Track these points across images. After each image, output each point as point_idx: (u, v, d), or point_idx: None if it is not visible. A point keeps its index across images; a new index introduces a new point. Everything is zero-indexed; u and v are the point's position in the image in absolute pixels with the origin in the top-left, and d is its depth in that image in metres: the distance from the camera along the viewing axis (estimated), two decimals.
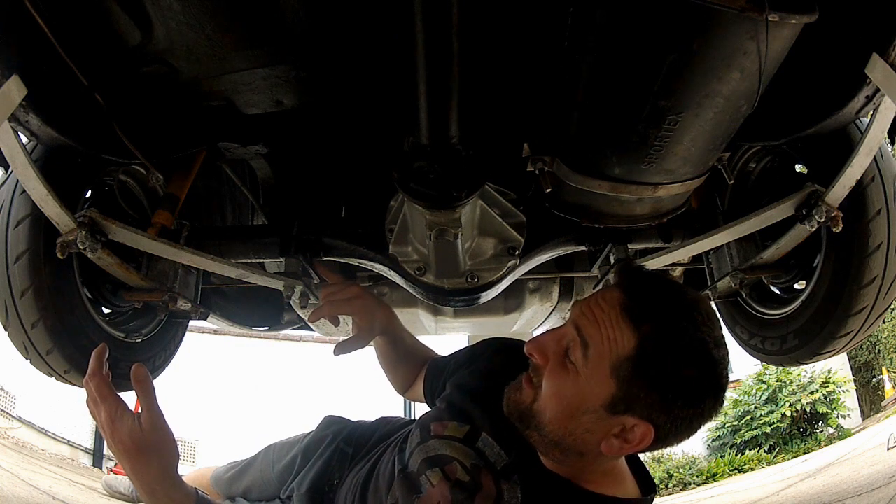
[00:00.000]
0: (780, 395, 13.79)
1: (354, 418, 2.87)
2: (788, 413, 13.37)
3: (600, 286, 3.37)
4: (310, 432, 2.87)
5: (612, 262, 3.19)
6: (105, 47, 2.32)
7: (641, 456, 1.94)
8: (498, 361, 2.16)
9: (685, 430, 1.59)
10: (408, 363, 2.66)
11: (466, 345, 2.55)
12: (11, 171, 2.57)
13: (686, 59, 1.91)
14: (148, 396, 1.85)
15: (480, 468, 1.83)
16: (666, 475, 13.14)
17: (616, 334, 1.55)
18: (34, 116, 2.29)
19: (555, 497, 1.75)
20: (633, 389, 1.53)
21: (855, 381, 14.57)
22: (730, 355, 1.59)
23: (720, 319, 2.07)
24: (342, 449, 2.62)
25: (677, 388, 1.53)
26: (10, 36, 2.09)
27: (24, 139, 2.38)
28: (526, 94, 2.68)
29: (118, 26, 2.22)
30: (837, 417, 13.45)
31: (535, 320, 4.40)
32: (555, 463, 1.75)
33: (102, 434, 1.88)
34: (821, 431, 13.44)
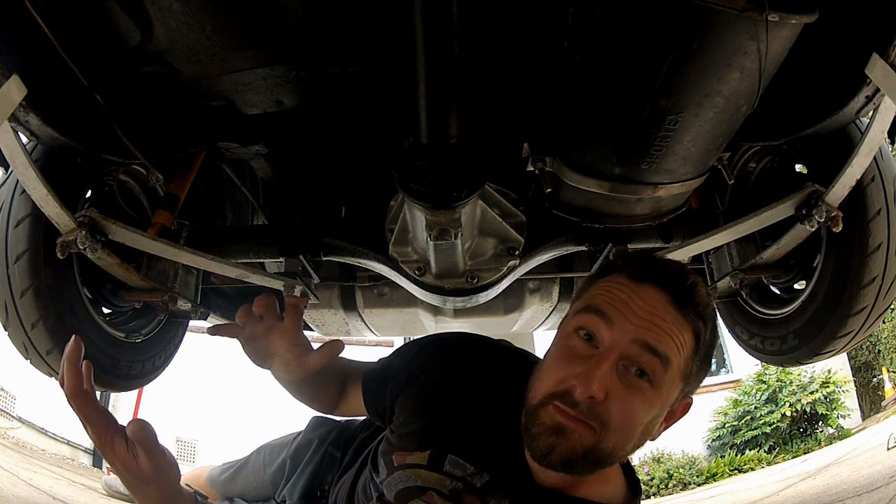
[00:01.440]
0: (780, 395, 13.78)
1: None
2: (788, 413, 13.37)
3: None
4: (299, 433, 2.84)
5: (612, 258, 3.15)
6: (105, 47, 2.31)
7: (636, 456, 1.92)
8: (440, 369, 2.00)
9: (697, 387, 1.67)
10: (326, 385, 2.33)
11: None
12: (11, 171, 2.57)
13: (686, 59, 1.91)
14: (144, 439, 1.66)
15: (460, 492, 1.72)
16: (666, 475, 13.14)
17: (683, 338, 1.55)
18: (34, 116, 2.29)
19: None
20: (694, 380, 1.62)
21: (855, 381, 14.57)
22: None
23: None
24: (331, 453, 2.59)
25: (710, 363, 1.65)
26: (9, 36, 2.09)
27: (24, 139, 2.38)
28: (526, 93, 2.68)
29: (118, 26, 2.22)
30: (837, 417, 13.45)
31: (535, 320, 4.40)
32: (563, 477, 1.64)
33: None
34: (821, 431, 13.43)
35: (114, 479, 4.93)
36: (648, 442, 1.66)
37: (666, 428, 1.67)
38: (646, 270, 1.62)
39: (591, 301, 1.65)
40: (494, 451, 1.75)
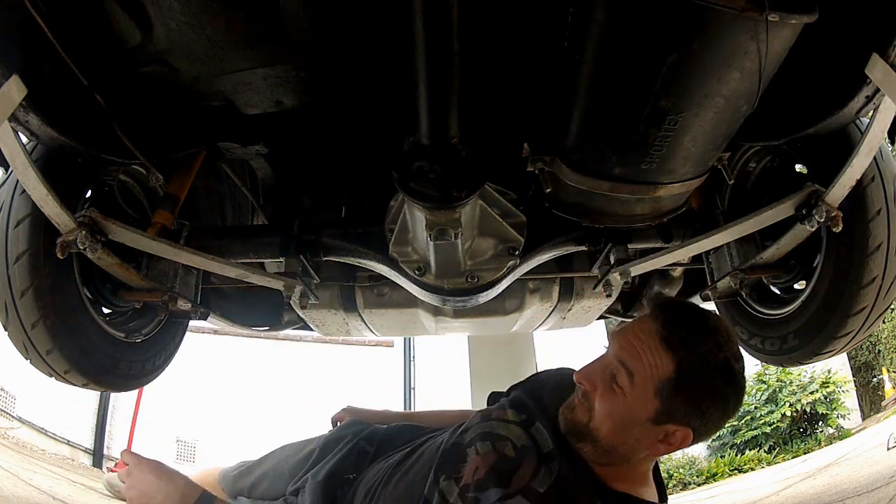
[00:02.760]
0: (780, 395, 13.76)
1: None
2: (788, 413, 13.34)
3: (600, 287, 3.40)
4: (329, 431, 2.93)
5: (612, 261, 3.18)
6: (105, 47, 2.32)
7: None
8: (549, 383, 2.45)
9: (714, 427, 1.93)
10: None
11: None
12: (11, 171, 2.57)
13: (686, 59, 1.92)
14: None
15: (528, 449, 2.09)
16: (666, 475, 13.10)
17: (657, 361, 1.86)
18: (34, 116, 2.29)
19: (580, 487, 1.97)
20: (673, 404, 1.85)
21: (855, 381, 14.55)
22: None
23: (736, 335, 2.27)
24: (362, 447, 2.69)
25: (709, 397, 1.86)
26: (10, 36, 2.09)
27: (24, 139, 2.37)
28: (526, 93, 2.68)
29: (118, 26, 2.22)
30: (837, 418, 13.44)
31: (534, 320, 4.39)
32: (600, 466, 2.01)
33: None
34: (821, 431, 13.41)
35: (115, 478, 4.93)
36: (650, 455, 2.01)
37: (669, 449, 1.95)
38: (653, 308, 2.00)
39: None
40: (566, 442, 2.10)
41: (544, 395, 2.35)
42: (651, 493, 2.08)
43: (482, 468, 2.04)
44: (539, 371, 2.72)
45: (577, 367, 2.39)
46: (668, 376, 1.84)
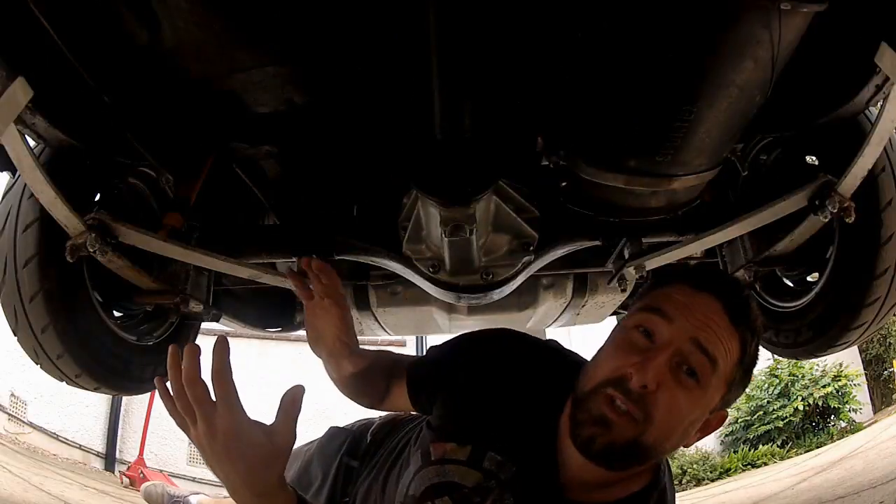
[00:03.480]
0: (792, 389, 13.74)
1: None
2: (801, 407, 13.32)
3: (614, 282, 3.36)
4: (312, 442, 2.87)
5: (627, 256, 3.16)
6: (112, 48, 2.30)
7: None
8: (483, 363, 2.10)
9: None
10: (372, 382, 2.42)
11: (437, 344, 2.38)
12: (19, 175, 2.56)
13: (700, 49, 1.92)
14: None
15: (491, 488, 1.80)
16: (679, 471, 13.09)
17: (731, 345, 1.66)
18: (41, 119, 2.28)
19: None
20: (736, 389, 1.72)
21: (866, 374, 14.52)
22: None
23: None
24: (346, 463, 2.60)
25: (750, 376, 1.76)
26: (15, 37, 2.08)
27: (31, 142, 2.36)
28: (539, 86, 2.67)
29: (125, 26, 2.20)
30: (849, 412, 13.41)
31: (548, 317, 4.38)
32: (602, 474, 1.73)
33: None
34: (833, 425, 13.39)
35: (152, 487, 4.91)
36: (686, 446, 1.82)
37: (701, 437, 1.78)
38: (705, 280, 1.76)
39: (652, 302, 1.77)
40: (527, 445, 1.83)
41: (474, 395, 2.00)
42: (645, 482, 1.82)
43: None
44: (445, 349, 2.29)
45: (514, 334, 2.23)
46: (737, 361, 1.68)
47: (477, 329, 2.45)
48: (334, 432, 2.82)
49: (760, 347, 1.88)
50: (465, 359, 2.15)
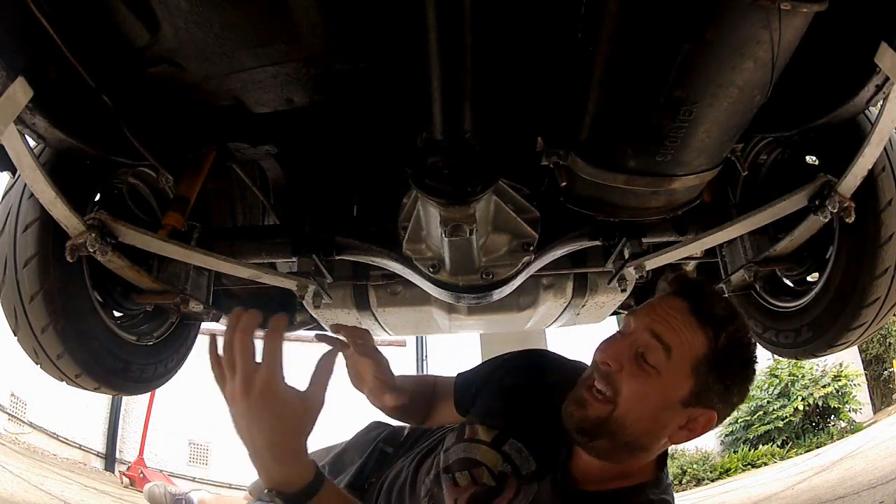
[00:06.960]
0: (792, 389, 13.74)
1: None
2: (801, 407, 13.32)
3: (614, 282, 3.39)
4: (353, 437, 2.94)
5: (627, 256, 3.17)
6: (112, 48, 2.30)
7: None
8: (519, 373, 2.40)
9: (731, 410, 1.91)
10: (415, 407, 2.68)
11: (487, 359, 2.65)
12: (19, 175, 2.56)
13: (700, 49, 1.91)
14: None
15: (507, 475, 2.05)
16: (679, 471, 13.10)
17: (692, 337, 1.81)
18: (41, 119, 2.27)
19: None
20: (707, 382, 1.81)
21: (866, 374, 14.51)
22: None
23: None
24: (381, 449, 2.71)
25: (737, 377, 1.85)
26: (15, 37, 2.08)
27: (32, 142, 2.36)
28: (539, 86, 2.67)
29: (125, 26, 2.20)
30: (849, 412, 13.40)
31: (548, 317, 4.39)
32: (608, 466, 1.94)
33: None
34: (833, 425, 13.39)
35: (155, 488, 4.93)
36: (671, 443, 1.93)
37: (689, 436, 1.89)
38: (678, 286, 1.95)
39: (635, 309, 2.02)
40: (545, 438, 2.06)
41: (508, 393, 2.32)
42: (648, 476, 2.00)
43: (461, 501, 2.04)
44: (489, 361, 2.62)
45: (551, 353, 2.52)
46: (704, 353, 1.80)
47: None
48: (374, 424, 2.94)
49: (760, 347, 1.93)
50: (504, 366, 2.47)
